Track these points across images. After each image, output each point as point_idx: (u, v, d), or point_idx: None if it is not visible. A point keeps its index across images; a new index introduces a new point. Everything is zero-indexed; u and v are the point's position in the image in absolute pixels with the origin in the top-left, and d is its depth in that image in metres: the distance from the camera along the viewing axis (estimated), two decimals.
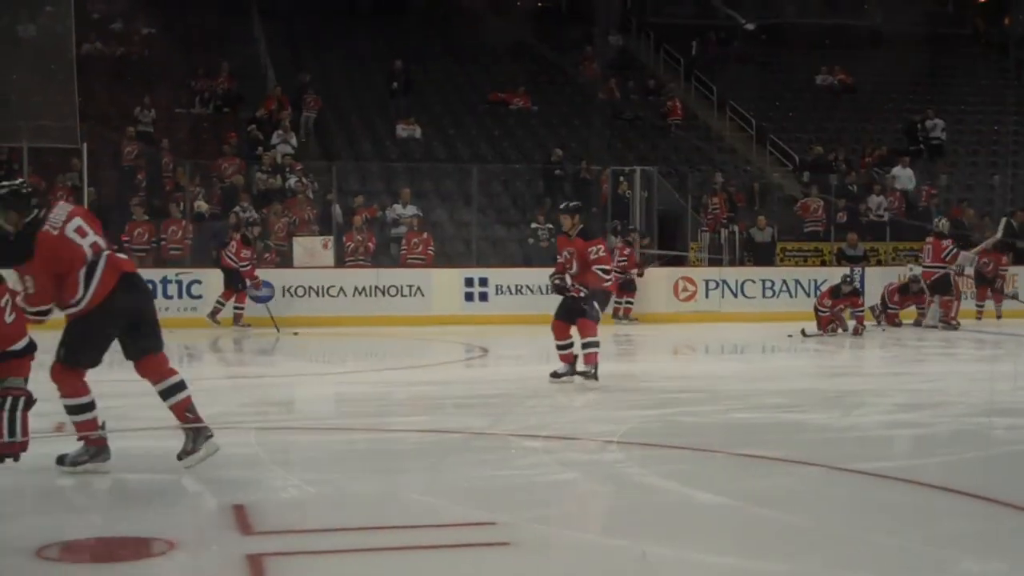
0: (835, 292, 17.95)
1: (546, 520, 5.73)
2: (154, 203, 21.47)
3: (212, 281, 19.37)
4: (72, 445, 7.43)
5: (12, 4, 22.38)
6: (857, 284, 18.78)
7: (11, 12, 22.53)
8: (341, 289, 19.55)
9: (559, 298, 11.65)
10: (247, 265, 18.60)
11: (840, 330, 17.72)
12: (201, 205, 21.62)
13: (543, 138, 26.97)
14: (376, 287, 19.77)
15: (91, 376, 7.01)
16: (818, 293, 20.02)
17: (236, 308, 18.92)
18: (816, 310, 18.12)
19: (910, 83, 32.06)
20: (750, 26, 35.20)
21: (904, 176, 25.88)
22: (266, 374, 14.02)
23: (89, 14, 27.14)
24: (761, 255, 22.31)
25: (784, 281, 21.29)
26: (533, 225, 22.46)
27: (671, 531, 5.63)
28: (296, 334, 17.75)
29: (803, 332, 17.47)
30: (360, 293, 19.70)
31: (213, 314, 18.75)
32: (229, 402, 10.18)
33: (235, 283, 18.81)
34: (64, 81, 20.47)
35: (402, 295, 19.71)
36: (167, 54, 27.78)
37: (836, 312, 17.79)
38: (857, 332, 17.63)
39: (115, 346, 6.93)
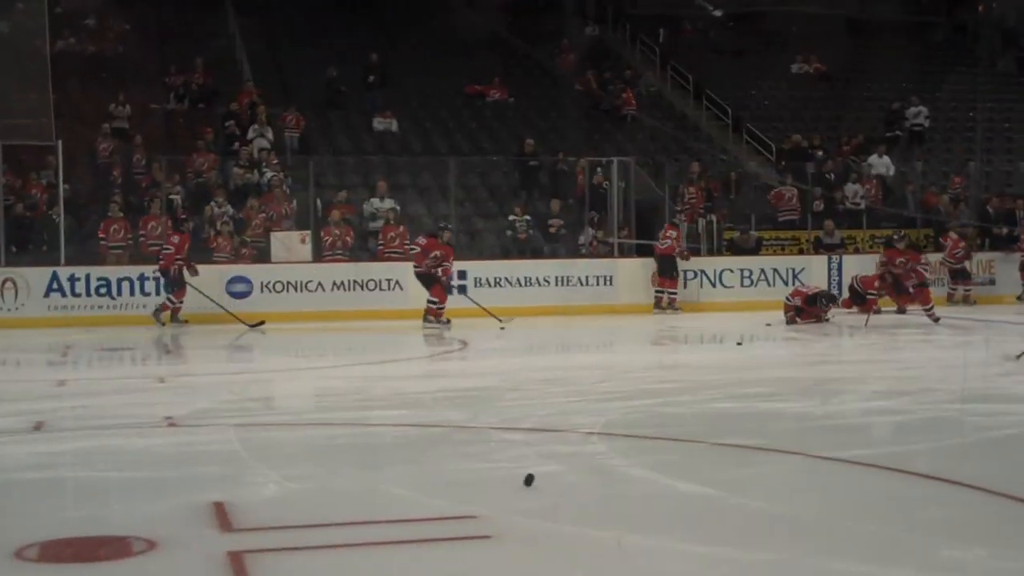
0: (811, 301, 18.06)
1: (528, 513, 5.72)
2: (130, 199, 21.36)
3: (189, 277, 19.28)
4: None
5: None
6: (834, 298, 18.77)
7: None
8: (319, 284, 19.47)
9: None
10: (680, 249, 20.21)
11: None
12: (176, 201, 21.52)
13: (520, 130, 26.90)
14: (354, 281, 19.71)
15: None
16: (796, 282, 20.12)
17: (658, 292, 20.28)
18: (785, 301, 18.23)
19: (885, 71, 32.15)
20: (718, 12, 35.20)
21: (880, 164, 25.97)
22: (246, 370, 14.00)
23: (62, 10, 26.98)
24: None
25: (762, 270, 21.33)
26: (511, 217, 22.43)
27: (654, 521, 5.63)
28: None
29: (768, 325, 17.55)
30: (339, 287, 19.64)
31: (658, 303, 20.21)
32: (209, 398, 10.18)
33: (670, 270, 20.08)
34: (38, 78, 20.41)
35: (380, 289, 19.65)
36: (141, 50, 27.64)
37: (812, 311, 17.85)
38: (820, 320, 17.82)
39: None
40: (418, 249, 18.26)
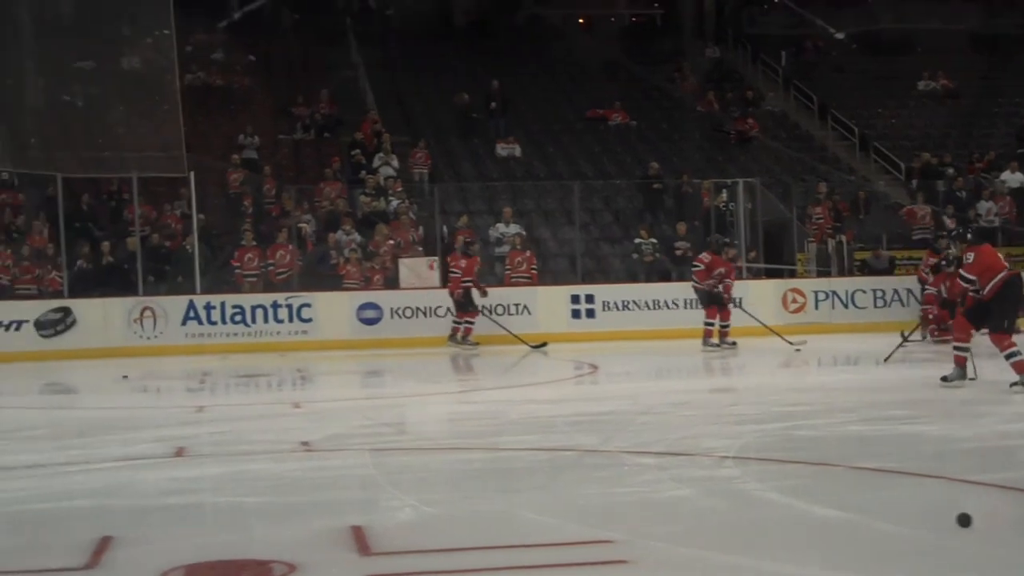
0: (936, 268, 17.49)
1: (664, 537, 5.67)
2: (260, 228, 21.77)
3: (321, 304, 19.59)
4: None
5: (116, 38, 22.90)
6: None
7: (115, 45, 23.06)
8: (448, 309, 19.61)
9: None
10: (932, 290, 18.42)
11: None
12: (305, 229, 21.90)
13: (642, 153, 26.90)
14: (482, 306, 19.81)
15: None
16: None
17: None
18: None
19: (1014, 85, 31.45)
20: (840, 35, 34.83)
21: (1014, 180, 25.38)
22: (377, 395, 14.14)
23: (190, 45, 27.67)
24: None
25: (895, 291, 20.91)
26: (636, 240, 22.38)
27: (790, 547, 5.54)
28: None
29: (903, 334, 16.98)
30: None
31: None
32: (343, 424, 10.28)
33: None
34: (169, 112, 20.90)
35: (508, 313, 19.71)
36: (268, 82, 28.25)
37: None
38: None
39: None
40: (701, 267, 17.68)
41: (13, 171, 21.74)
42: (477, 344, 18.72)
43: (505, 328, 18.78)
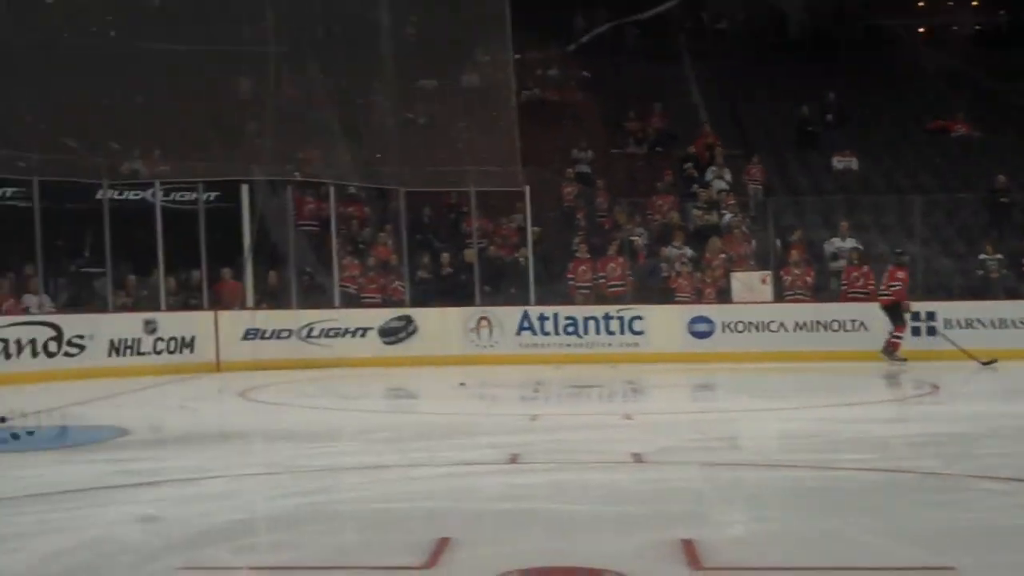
0: None
1: (1010, 567, 5.42)
2: (592, 241, 22.04)
3: (653, 317, 19.65)
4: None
5: (455, 56, 23.79)
6: None
7: (455, 63, 23.95)
8: (781, 324, 19.30)
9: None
10: None
11: None
12: (636, 243, 22.02)
13: (988, 166, 25.68)
14: (817, 322, 19.38)
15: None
16: None
17: None
18: None
19: None
20: None
21: None
22: (709, 409, 14.08)
23: (532, 63, 28.33)
24: None
25: None
26: (981, 256, 21.41)
27: None
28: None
29: None
30: (801, 328, 19.38)
31: None
32: (674, 436, 10.28)
33: None
34: (506, 127, 21.50)
35: (844, 330, 19.19)
36: (600, 97, 28.58)
37: None
38: None
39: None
40: None
41: (360, 185, 22.78)
42: (905, 360, 18.25)
43: (953, 343, 18.21)
